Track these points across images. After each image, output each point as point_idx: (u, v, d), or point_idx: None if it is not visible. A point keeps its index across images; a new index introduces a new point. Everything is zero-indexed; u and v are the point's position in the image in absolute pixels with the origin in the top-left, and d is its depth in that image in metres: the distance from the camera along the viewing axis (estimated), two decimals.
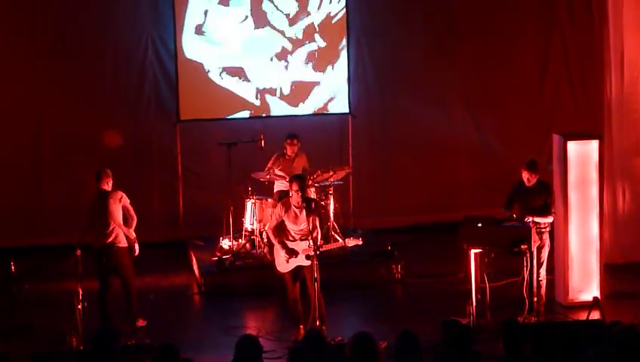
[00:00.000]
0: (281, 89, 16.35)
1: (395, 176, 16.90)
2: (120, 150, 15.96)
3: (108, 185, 12.33)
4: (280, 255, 11.94)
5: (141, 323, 12.44)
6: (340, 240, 12.84)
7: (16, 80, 15.82)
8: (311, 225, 11.77)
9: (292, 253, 11.82)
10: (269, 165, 14.70)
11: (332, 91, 16.49)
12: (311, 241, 11.66)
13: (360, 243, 12.15)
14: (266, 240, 14.31)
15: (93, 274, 12.23)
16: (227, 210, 14.69)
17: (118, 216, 12.29)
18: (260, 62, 16.26)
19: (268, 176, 14.65)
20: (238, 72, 16.22)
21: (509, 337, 8.02)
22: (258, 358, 8.09)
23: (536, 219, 12.35)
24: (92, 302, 11.87)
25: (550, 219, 12.60)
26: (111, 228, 12.20)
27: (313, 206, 12.02)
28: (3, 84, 15.80)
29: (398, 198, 16.80)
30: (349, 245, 12.15)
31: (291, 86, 16.36)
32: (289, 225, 11.94)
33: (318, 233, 11.97)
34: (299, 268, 11.93)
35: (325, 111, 16.58)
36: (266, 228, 12.87)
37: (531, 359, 8.17)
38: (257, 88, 16.27)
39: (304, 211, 11.79)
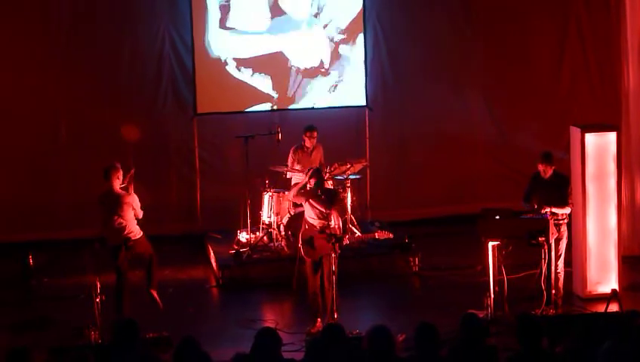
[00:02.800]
0: (297, 77, 16.37)
1: (412, 169, 16.89)
2: (137, 144, 15.97)
3: (118, 183, 12.34)
4: (308, 243, 11.99)
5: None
6: (368, 234, 12.92)
7: (33, 75, 15.83)
8: (334, 216, 11.87)
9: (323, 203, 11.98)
10: (289, 161, 14.69)
11: (349, 83, 16.51)
12: (332, 232, 11.78)
13: (391, 236, 12.36)
14: (283, 233, 14.34)
15: (110, 268, 12.26)
16: (244, 203, 14.71)
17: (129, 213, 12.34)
18: (276, 55, 16.28)
19: (287, 170, 14.68)
20: (255, 64, 16.23)
21: (523, 330, 8.00)
22: (277, 350, 8.12)
23: (554, 210, 12.33)
24: (110, 296, 11.90)
25: (567, 210, 12.58)
26: (124, 225, 12.23)
27: (335, 198, 12.11)
28: (19, 79, 15.81)
29: (415, 191, 16.79)
30: (378, 237, 12.27)
31: (308, 74, 16.38)
32: (309, 213, 12.02)
33: (339, 225, 12.04)
34: (320, 259, 11.98)
35: (343, 104, 16.59)
36: (289, 196, 12.86)
37: (548, 352, 8.15)
38: (274, 80, 16.27)
39: (325, 202, 11.88)
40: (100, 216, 12.31)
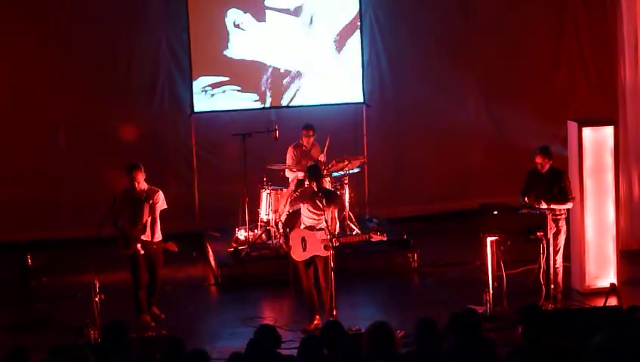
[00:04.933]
0: (294, 74, 16.35)
1: (409, 165, 16.89)
2: (135, 143, 15.99)
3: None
4: (297, 242, 11.98)
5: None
6: (364, 234, 12.78)
7: (31, 75, 15.85)
8: (330, 215, 11.83)
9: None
10: (289, 159, 14.66)
11: (346, 78, 16.50)
12: (327, 231, 11.73)
13: (384, 238, 12.16)
14: (281, 230, 14.34)
15: (109, 267, 12.27)
16: (242, 200, 14.71)
17: None
18: (273, 50, 16.27)
19: (285, 168, 14.67)
20: (252, 61, 16.21)
21: (529, 323, 7.99)
22: (274, 348, 8.13)
23: (553, 206, 12.32)
24: (109, 295, 11.87)
25: (568, 206, 12.55)
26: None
27: (332, 197, 12.08)
28: (17, 79, 15.85)
29: (413, 187, 16.79)
30: (374, 240, 12.14)
31: (305, 71, 16.36)
32: (305, 211, 12.01)
33: (336, 223, 12.03)
34: (313, 258, 11.99)
35: (340, 101, 16.57)
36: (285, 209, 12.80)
37: (549, 346, 8.14)
38: (271, 77, 16.26)
39: (322, 201, 11.85)
40: (146, 214, 12.34)
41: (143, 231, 12.27)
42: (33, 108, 15.93)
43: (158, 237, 12.47)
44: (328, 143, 14.60)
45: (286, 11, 16.26)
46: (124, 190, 12.39)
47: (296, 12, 16.28)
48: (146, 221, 12.27)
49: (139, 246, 12.24)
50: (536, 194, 12.43)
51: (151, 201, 12.32)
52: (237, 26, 16.12)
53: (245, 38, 16.17)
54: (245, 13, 16.14)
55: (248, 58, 16.20)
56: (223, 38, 16.09)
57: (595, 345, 7.26)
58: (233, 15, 16.11)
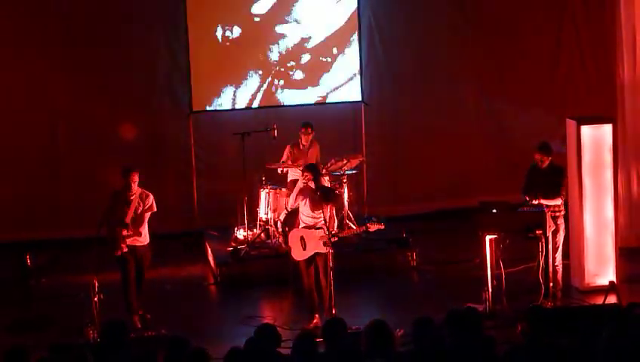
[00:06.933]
0: (293, 73, 16.35)
1: (408, 164, 16.89)
2: (134, 142, 16.00)
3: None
4: (296, 242, 12.00)
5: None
6: (360, 226, 12.79)
7: (30, 75, 15.86)
8: (328, 213, 11.83)
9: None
10: (283, 158, 14.69)
11: (344, 77, 16.49)
12: (326, 229, 11.74)
13: (382, 227, 12.18)
14: (280, 229, 14.34)
15: (108, 267, 12.29)
16: (241, 200, 14.71)
17: None
18: (271, 48, 16.27)
19: (282, 166, 14.67)
20: (252, 58, 16.22)
21: (529, 321, 7.99)
22: (274, 347, 8.13)
23: (543, 201, 12.31)
24: (108, 294, 11.88)
25: (558, 201, 12.53)
26: None
27: (331, 195, 12.09)
28: (16, 79, 15.85)
29: (412, 186, 16.79)
30: (372, 229, 12.16)
31: (303, 70, 16.36)
32: (304, 210, 12.01)
33: (334, 221, 12.03)
34: (314, 256, 11.99)
35: (338, 100, 16.58)
36: (289, 206, 12.84)
37: (548, 344, 8.15)
38: (270, 74, 16.27)
39: (320, 199, 11.85)
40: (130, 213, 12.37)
41: (127, 230, 12.27)
42: (33, 108, 15.93)
43: (146, 239, 12.44)
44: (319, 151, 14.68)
45: (285, 12, 16.26)
46: (116, 192, 12.37)
47: (296, 13, 16.27)
48: (129, 220, 12.27)
49: (123, 245, 12.23)
50: (536, 191, 12.42)
51: (142, 204, 12.32)
52: (235, 22, 16.15)
53: (244, 37, 16.18)
54: (244, 11, 16.17)
55: (247, 56, 16.21)
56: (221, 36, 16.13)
57: (598, 344, 7.28)
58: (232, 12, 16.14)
